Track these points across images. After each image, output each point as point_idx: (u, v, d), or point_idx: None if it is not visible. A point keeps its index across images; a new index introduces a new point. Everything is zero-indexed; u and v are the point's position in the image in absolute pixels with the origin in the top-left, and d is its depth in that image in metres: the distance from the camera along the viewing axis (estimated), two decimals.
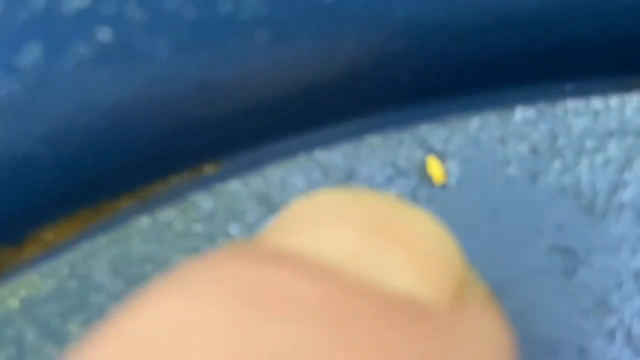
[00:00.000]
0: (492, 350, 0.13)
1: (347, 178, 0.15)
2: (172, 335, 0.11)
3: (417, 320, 0.12)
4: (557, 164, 0.15)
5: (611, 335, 0.15)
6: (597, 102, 0.15)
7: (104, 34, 0.14)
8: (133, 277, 0.15)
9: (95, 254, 0.15)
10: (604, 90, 0.15)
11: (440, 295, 0.13)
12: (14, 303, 0.15)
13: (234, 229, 0.15)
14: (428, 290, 0.13)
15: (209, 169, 0.16)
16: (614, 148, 0.15)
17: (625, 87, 0.15)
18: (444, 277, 0.13)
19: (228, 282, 0.12)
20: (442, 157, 0.15)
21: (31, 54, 0.14)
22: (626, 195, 0.15)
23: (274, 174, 0.15)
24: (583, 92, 0.15)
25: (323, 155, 0.15)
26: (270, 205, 0.15)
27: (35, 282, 0.15)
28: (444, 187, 0.15)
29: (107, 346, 0.11)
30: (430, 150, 0.15)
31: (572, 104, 0.15)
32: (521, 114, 0.15)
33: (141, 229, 0.15)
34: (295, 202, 0.13)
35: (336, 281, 0.12)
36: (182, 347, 0.11)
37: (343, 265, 0.12)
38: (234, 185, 0.16)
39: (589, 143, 0.15)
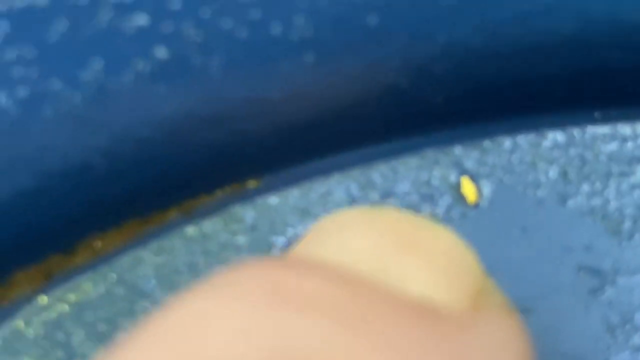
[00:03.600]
0: (508, 354, 0.14)
1: (384, 196, 0.16)
2: (202, 329, 0.12)
3: (435, 321, 0.13)
4: (585, 187, 0.16)
5: (637, 351, 0.15)
6: (624, 129, 0.16)
7: (161, 52, 0.15)
8: (178, 285, 0.16)
9: (142, 262, 0.16)
10: (631, 117, 0.16)
11: (458, 301, 0.14)
12: (63, 308, 0.16)
13: (275, 241, 0.15)
14: (446, 296, 0.13)
15: (251, 184, 0.16)
16: None
17: None
18: (462, 285, 0.14)
19: (255, 283, 0.13)
20: (475, 178, 0.16)
21: (93, 69, 0.15)
22: None
23: (314, 190, 0.16)
24: (611, 118, 0.16)
25: (362, 174, 0.15)
26: (310, 220, 0.16)
27: (85, 288, 0.16)
28: (476, 206, 0.16)
29: (147, 340, 0.12)
30: (464, 171, 0.16)
31: (601, 130, 0.16)
32: (551, 138, 0.16)
33: (187, 239, 0.16)
34: (324, 218, 0.14)
35: (355, 284, 0.13)
36: (211, 338, 0.12)
37: (364, 272, 0.13)
38: (275, 200, 0.16)
39: (617, 167, 0.16)
